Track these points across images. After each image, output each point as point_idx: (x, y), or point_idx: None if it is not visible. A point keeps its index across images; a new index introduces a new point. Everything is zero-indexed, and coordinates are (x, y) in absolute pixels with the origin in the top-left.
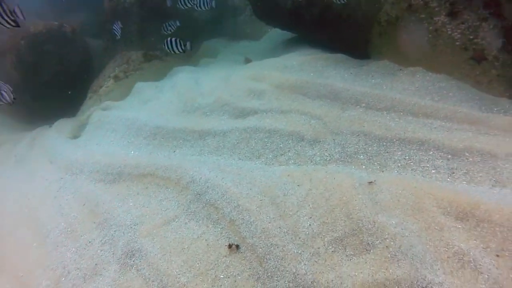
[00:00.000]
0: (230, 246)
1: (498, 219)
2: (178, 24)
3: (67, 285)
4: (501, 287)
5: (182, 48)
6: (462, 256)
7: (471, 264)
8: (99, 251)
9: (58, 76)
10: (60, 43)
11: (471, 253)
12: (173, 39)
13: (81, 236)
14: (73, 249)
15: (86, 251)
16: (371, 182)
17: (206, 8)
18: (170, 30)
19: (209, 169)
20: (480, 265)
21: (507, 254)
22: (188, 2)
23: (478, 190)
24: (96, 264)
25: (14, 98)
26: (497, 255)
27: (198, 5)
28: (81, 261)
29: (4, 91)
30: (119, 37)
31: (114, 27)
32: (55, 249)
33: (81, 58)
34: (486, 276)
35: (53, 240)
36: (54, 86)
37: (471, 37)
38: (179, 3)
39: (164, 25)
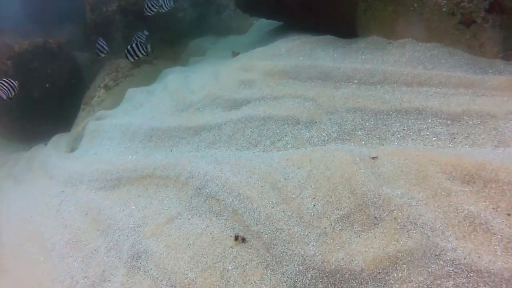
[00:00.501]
0: (236, 238)
1: (505, 177)
2: (146, 33)
3: None
4: None
5: (145, 51)
6: (472, 219)
7: (483, 226)
8: (105, 257)
9: (47, 92)
10: (46, 59)
11: (482, 215)
12: (133, 45)
13: (86, 245)
14: (79, 258)
15: (93, 259)
16: (375, 157)
17: (167, 8)
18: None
19: (207, 163)
20: (492, 226)
21: None
22: (153, 7)
23: (482, 152)
24: (103, 271)
25: (10, 98)
26: (508, 214)
27: (161, 7)
28: (88, 270)
29: (5, 87)
30: (104, 55)
31: (98, 44)
32: (61, 261)
33: (69, 72)
34: (500, 236)
35: (58, 252)
36: (44, 102)
37: (457, 1)
38: (146, 10)
39: (134, 37)
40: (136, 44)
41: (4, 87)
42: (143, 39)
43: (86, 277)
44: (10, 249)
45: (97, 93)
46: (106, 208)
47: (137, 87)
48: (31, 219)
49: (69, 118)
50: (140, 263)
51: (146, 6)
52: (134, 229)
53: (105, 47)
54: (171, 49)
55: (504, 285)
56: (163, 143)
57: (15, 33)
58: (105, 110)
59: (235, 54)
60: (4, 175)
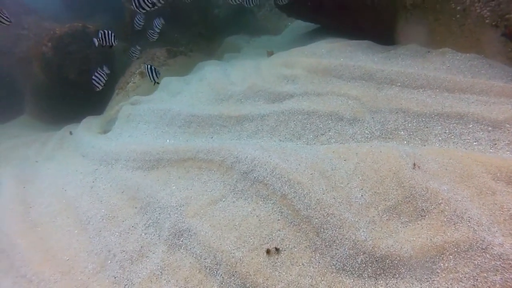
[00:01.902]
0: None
1: None
2: (162, 22)
3: (114, 267)
4: None
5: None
6: None
7: None
8: (143, 234)
9: (83, 76)
10: (84, 44)
11: None
12: (150, 67)
13: (123, 221)
14: (117, 233)
15: (130, 235)
16: (415, 165)
17: (148, 8)
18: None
19: (254, 149)
20: None
21: None
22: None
23: None
24: (141, 247)
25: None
26: None
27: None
28: (126, 244)
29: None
30: (101, 87)
31: (95, 76)
32: (97, 235)
33: (104, 57)
34: None
35: (94, 226)
36: (80, 85)
37: (502, 13)
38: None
39: (148, 32)
40: (151, 67)
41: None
42: (159, 27)
43: (124, 251)
44: (45, 220)
45: (132, 79)
46: (145, 187)
47: (173, 77)
48: (64, 194)
49: (102, 102)
50: (182, 241)
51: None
52: (176, 208)
53: (103, 79)
54: (207, 44)
55: None
56: (203, 130)
57: (55, 19)
58: (140, 96)
59: (270, 53)
60: (34, 152)
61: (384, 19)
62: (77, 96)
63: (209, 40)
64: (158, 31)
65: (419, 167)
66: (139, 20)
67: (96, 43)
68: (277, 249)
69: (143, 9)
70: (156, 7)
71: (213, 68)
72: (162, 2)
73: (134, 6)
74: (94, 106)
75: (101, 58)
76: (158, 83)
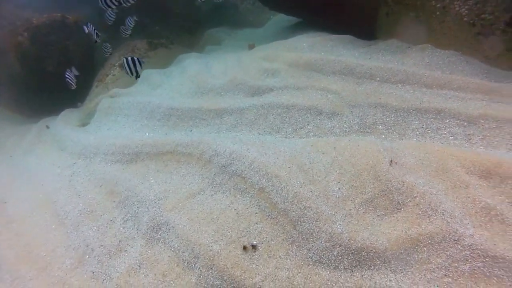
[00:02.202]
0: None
1: None
2: (136, 19)
3: (92, 262)
4: None
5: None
6: (489, 210)
7: (498, 218)
8: (121, 228)
9: (61, 67)
10: (63, 35)
11: (498, 208)
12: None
13: (101, 215)
14: (95, 227)
15: (108, 229)
16: (392, 161)
17: (114, 5)
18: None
19: (233, 142)
20: (507, 218)
21: None
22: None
23: (497, 153)
24: (120, 241)
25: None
26: None
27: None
28: (104, 239)
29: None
30: (74, 86)
31: (67, 77)
32: (75, 229)
33: (84, 50)
34: None
35: (72, 221)
36: (58, 77)
37: (479, 12)
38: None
39: (120, 28)
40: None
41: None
42: (131, 25)
43: (102, 245)
44: (21, 215)
45: (112, 71)
46: (124, 180)
47: (153, 69)
48: (42, 189)
49: (81, 94)
50: (160, 235)
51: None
52: (155, 202)
53: (74, 78)
54: (188, 36)
55: None
56: (182, 123)
57: (34, 7)
58: (120, 88)
59: (251, 46)
60: (11, 146)
61: (366, 14)
62: (55, 88)
63: (191, 33)
64: (130, 28)
65: (396, 163)
66: (109, 16)
67: (86, 30)
68: (253, 246)
69: (109, 6)
70: (124, 5)
71: (194, 61)
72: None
73: (101, 3)
74: (72, 98)
75: (80, 49)
76: (138, 76)
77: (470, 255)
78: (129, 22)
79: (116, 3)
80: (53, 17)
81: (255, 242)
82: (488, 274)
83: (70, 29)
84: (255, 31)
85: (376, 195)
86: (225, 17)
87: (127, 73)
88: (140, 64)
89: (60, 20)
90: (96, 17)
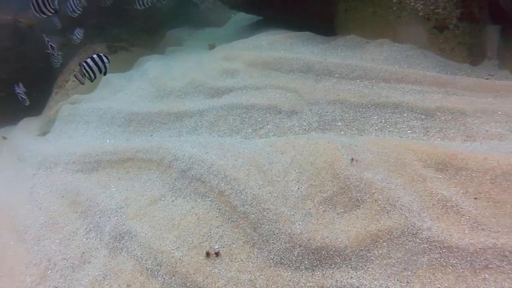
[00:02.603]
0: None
1: (474, 166)
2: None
3: (55, 276)
4: (481, 224)
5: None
6: (445, 202)
7: (454, 209)
8: (84, 239)
9: (17, 73)
10: (16, 40)
11: (453, 199)
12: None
13: (64, 227)
14: (57, 241)
15: (71, 241)
16: (353, 159)
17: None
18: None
19: (191, 146)
20: (461, 208)
21: (483, 196)
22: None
23: (452, 144)
24: (83, 253)
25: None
26: (476, 198)
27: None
28: (67, 252)
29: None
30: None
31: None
32: (36, 244)
33: (40, 55)
34: (467, 217)
35: (33, 235)
36: (14, 84)
37: (433, 7)
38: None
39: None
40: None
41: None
42: (79, 37)
43: (64, 259)
44: None
45: (71, 77)
46: (85, 190)
47: (114, 73)
48: (0, 203)
49: (40, 102)
50: (123, 244)
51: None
52: (116, 211)
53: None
54: (149, 38)
55: (469, 258)
56: (143, 128)
57: None
58: (80, 94)
59: (212, 46)
60: None
61: (325, 10)
62: (11, 97)
63: (151, 34)
64: (80, 39)
65: (356, 161)
66: (56, 22)
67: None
68: (217, 254)
69: (44, 14)
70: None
71: (154, 63)
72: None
73: (33, 9)
74: (31, 106)
75: (36, 55)
76: (105, 74)
77: (428, 247)
78: (78, 33)
79: (52, 10)
80: (3, 20)
81: (216, 247)
82: (444, 264)
83: (24, 34)
84: (216, 31)
85: (335, 193)
86: (186, 17)
87: (88, 77)
88: (103, 61)
89: (12, 24)
90: (48, 21)
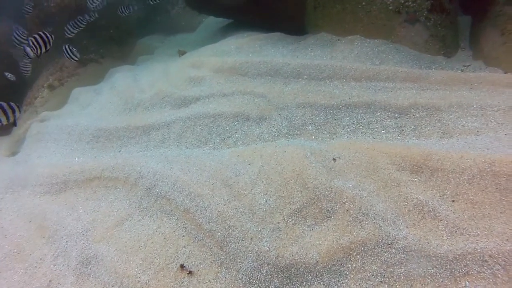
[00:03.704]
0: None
1: (449, 166)
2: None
3: None
4: (460, 229)
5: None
6: (421, 207)
7: (431, 214)
8: (51, 266)
9: None
10: None
11: (430, 203)
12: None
13: (30, 254)
14: (22, 270)
15: (38, 269)
16: (335, 158)
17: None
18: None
19: (156, 162)
20: (439, 213)
21: (461, 198)
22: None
23: (428, 143)
24: (50, 281)
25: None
26: (453, 200)
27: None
28: (32, 282)
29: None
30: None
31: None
32: None
33: (5, 70)
34: (446, 222)
35: None
36: None
37: (402, 0)
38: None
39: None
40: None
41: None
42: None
43: None
44: None
45: (40, 93)
46: (52, 213)
47: (83, 87)
48: None
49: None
50: (90, 269)
51: None
52: (83, 234)
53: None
54: (119, 48)
55: (449, 266)
56: (111, 144)
57: None
58: (50, 111)
59: (182, 52)
60: None
61: (294, 9)
62: None
63: (121, 44)
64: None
65: (339, 158)
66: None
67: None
68: (190, 272)
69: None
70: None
71: (123, 75)
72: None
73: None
74: None
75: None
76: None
77: (404, 257)
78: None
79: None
80: None
81: (185, 264)
82: (423, 274)
83: None
84: (188, 36)
85: (305, 204)
86: (156, 24)
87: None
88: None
89: None
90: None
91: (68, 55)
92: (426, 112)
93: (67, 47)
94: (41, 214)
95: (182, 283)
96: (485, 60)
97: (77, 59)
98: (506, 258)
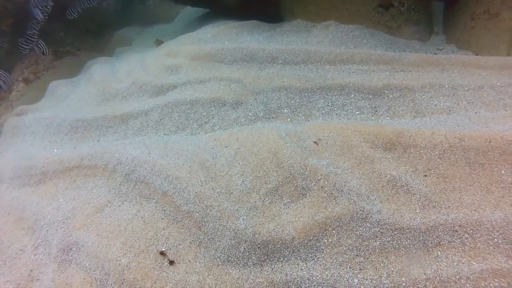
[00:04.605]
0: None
1: (421, 142)
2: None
3: None
4: (432, 202)
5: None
6: (395, 182)
7: (404, 188)
8: (32, 256)
9: None
10: None
11: (403, 178)
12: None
13: (10, 246)
14: (0, 262)
15: (18, 260)
16: (316, 141)
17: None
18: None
19: (135, 148)
20: (411, 187)
21: (433, 172)
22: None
23: (402, 122)
24: (31, 270)
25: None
26: (425, 175)
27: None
28: (12, 273)
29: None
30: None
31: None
32: None
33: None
34: (418, 196)
35: None
36: None
37: None
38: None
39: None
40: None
41: None
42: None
43: (8, 281)
44: None
45: (15, 87)
46: (32, 204)
47: (60, 80)
48: None
49: None
50: (72, 256)
51: None
52: (63, 222)
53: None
54: (95, 40)
55: (421, 237)
56: (89, 134)
57: None
58: (26, 105)
59: (159, 42)
60: None
61: None
62: None
63: (98, 36)
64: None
65: (320, 139)
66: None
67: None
68: (171, 262)
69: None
70: None
71: (100, 66)
72: None
73: None
74: None
75: None
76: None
77: (379, 231)
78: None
79: None
80: None
81: (164, 249)
82: (397, 246)
83: None
84: (165, 27)
85: (281, 182)
86: (133, 15)
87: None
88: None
89: None
90: None
91: (40, 51)
92: (400, 93)
93: (38, 43)
94: (20, 206)
95: (162, 264)
96: (457, 44)
97: (47, 53)
98: (474, 227)
